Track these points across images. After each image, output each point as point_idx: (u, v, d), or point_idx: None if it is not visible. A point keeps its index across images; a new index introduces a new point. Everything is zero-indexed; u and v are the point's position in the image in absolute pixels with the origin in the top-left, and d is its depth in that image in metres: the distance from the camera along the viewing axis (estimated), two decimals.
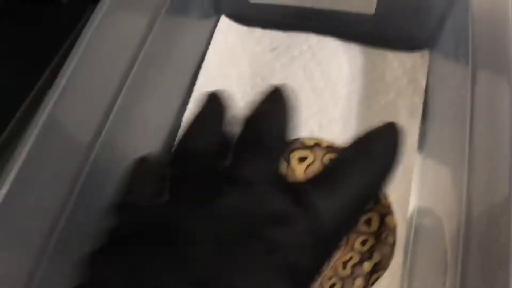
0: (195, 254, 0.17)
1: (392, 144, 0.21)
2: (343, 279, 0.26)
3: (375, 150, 0.21)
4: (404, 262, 0.29)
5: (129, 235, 0.19)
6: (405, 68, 0.36)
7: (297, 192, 0.19)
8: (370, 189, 0.21)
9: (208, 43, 0.39)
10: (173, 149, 0.24)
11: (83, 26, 0.27)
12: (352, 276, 0.26)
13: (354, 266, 0.26)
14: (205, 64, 0.38)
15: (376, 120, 0.37)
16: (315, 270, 0.18)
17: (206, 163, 0.22)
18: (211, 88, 0.40)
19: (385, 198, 0.29)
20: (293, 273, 0.17)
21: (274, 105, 0.23)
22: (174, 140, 0.35)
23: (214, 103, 0.26)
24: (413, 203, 0.30)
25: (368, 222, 0.28)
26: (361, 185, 0.20)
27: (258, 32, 0.40)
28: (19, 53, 0.37)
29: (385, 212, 0.28)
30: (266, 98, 0.24)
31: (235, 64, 0.38)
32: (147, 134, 0.33)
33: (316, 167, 0.29)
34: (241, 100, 0.37)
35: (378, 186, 0.21)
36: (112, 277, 0.17)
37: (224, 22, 0.40)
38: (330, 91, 0.36)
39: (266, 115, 0.22)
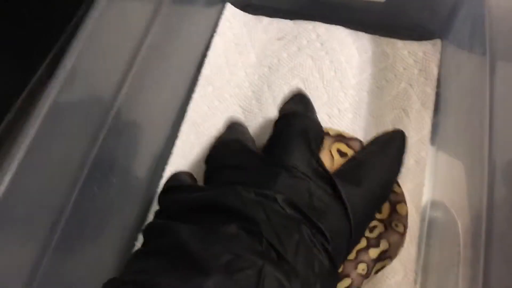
0: (254, 228, 0.20)
1: (401, 148, 0.25)
2: (345, 262, 0.25)
3: (389, 153, 0.25)
4: (418, 255, 0.28)
5: (191, 208, 0.22)
6: (416, 57, 0.35)
7: (332, 184, 0.22)
8: (386, 185, 0.25)
9: (214, 32, 0.38)
10: (211, 147, 0.26)
11: (84, 15, 0.26)
12: (356, 261, 0.25)
13: (359, 251, 0.25)
14: (210, 53, 0.37)
15: (387, 110, 0.36)
16: (347, 252, 0.22)
17: (247, 155, 0.24)
18: (216, 77, 0.40)
19: (398, 186, 0.28)
20: (331, 252, 0.21)
21: (306, 106, 0.27)
22: (178, 131, 0.35)
23: (238, 125, 0.30)
24: (426, 196, 0.30)
25: (379, 209, 0.28)
26: (379, 183, 0.23)
27: (265, 20, 0.39)
28: (15, 42, 0.36)
29: (398, 200, 0.28)
30: (293, 100, 0.28)
31: (242, 53, 0.38)
32: (152, 124, 0.32)
33: (324, 155, 0.28)
34: (248, 89, 0.36)
35: (392, 182, 0.25)
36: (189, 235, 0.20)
37: (230, 10, 0.39)
38: (339, 81, 0.35)
39: (303, 115, 0.25)
